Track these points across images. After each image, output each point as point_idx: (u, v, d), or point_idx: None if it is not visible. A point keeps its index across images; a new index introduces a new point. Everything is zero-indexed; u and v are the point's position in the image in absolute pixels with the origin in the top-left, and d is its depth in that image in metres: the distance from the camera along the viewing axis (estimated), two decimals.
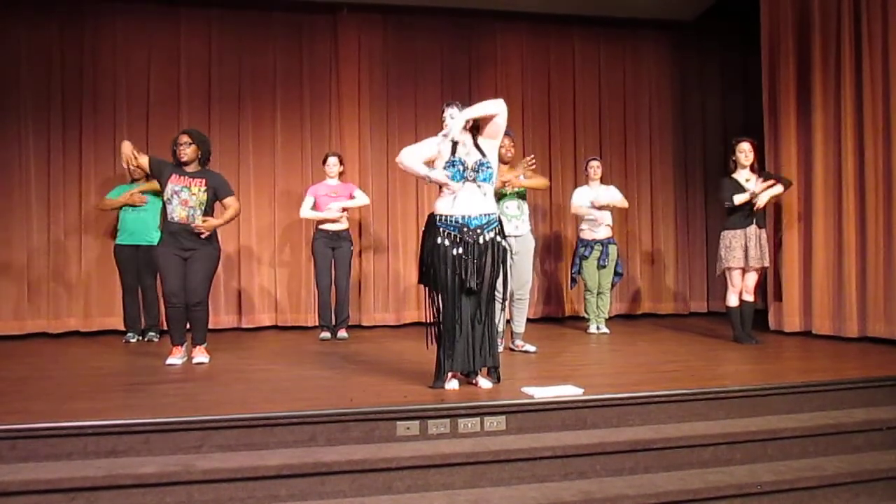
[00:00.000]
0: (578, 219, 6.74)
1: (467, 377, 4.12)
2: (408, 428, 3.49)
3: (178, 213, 4.93)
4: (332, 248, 6.37)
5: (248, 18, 7.39)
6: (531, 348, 5.46)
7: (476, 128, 4.08)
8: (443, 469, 3.33)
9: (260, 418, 3.45)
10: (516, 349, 5.48)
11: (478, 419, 3.56)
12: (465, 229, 3.96)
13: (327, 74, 7.53)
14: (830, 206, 6.02)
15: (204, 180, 5.02)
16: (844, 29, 5.86)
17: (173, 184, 4.96)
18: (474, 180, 3.97)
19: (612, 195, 6.59)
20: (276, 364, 5.11)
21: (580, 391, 3.83)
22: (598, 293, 6.61)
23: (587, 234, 6.59)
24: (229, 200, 5.10)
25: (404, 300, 7.57)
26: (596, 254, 6.53)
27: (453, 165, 3.99)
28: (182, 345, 5.08)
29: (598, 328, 6.59)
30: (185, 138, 5.03)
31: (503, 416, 3.60)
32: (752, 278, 5.76)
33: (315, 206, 6.39)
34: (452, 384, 4.02)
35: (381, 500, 3.21)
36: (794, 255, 6.33)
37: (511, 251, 5.27)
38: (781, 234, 6.42)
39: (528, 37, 7.99)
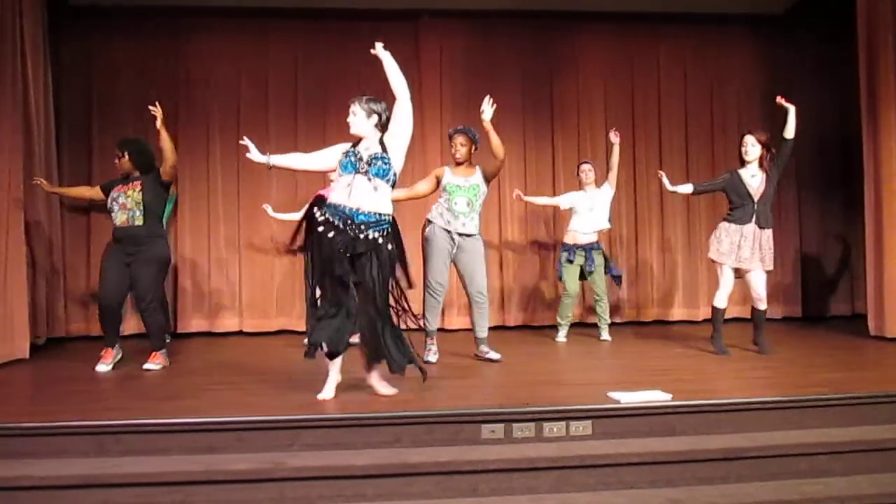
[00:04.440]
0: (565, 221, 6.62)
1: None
2: (492, 431, 3.50)
3: (119, 218, 5.01)
4: None
5: (333, 28, 7.55)
6: (495, 356, 5.21)
7: (385, 126, 4.05)
8: (528, 473, 3.32)
9: (347, 418, 3.53)
10: (480, 356, 5.28)
11: (563, 423, 3.53)
12: (349, 221, 3.87)
13: (409, 81, 7.56)
14: None
15: (139, 182, 5.05)
16: None
17: (113, 193, 5.07)
18: (366, 173, 3.90)
19: (605, 198, 6.38)
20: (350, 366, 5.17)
21: (668, 396, 3.75)
22: (596, 300, 6.43)
23: (569, 239, 6.39)
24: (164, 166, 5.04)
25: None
26: (580, 259, 6.31)
27: (347, 156, 3.97)
28: (113, 347, 5.07)
29: (600, 336, 6.39)
30: (116, 151, 5.12)
31: (589, 421, 3.56)
32: (758, 283, 5.33)
33: None
34: (327, 392, 3.94)
35: (466, 502, 3.22)
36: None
37: (452, 248, 5.13)
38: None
39: (611, 37, 7.86)
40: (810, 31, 7.95)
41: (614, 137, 6.21)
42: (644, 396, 3.75)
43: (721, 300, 5.42)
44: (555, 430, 3.53)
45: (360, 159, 3.94)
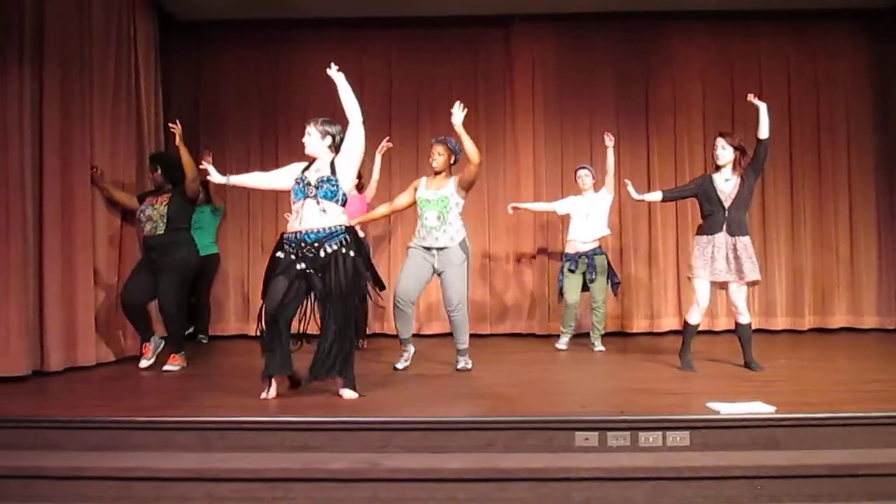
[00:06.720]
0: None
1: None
2: (586, 439, 3.45)
3: (146, 228, 5.22)
4: None
5: (425, 36, 7.64)
6: (462, 365, 5.12)
7: (338, 147, 4.16)
8: (622, 483, 3.26)
9: (440, 422, 3.56)
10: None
11: (660, 433, 3.44)
12: (304, 244, 4.03)
13: (501, 87, 7.62)
14: None
15: (168, 195, 5.24)
16: None
17: (144, 205, 5.27)
18: (315, 196, 4.05)
19: (604, 204, 6.10)
20: (443, 367, 5.20)
21: (772, 409, 3.60)
22: (593, 308, 6.15)
23: (570, 248, 6.15)
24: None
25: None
26: (582, 267, 6.06)
27: (297, 183, 4.14)
28: (150, 342, 5.30)
29: (594, 345, 6.14)
30: (149, 164, 5.32)
31: (687, 432, 3.45)
32: (737, 295, 4.94)
33: None
34: (270, 392, 4.11)
35: None
36: None
37: (432, 262, 5.03)
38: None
39: (708, 37, 7.64)
40: None
41: (608, 141, 5.99)
42: (745, 408, 3.62)
43: (694, 316, 5.04)
44: (651, 439, 3.44)
45: (309, 184, 4.11)
